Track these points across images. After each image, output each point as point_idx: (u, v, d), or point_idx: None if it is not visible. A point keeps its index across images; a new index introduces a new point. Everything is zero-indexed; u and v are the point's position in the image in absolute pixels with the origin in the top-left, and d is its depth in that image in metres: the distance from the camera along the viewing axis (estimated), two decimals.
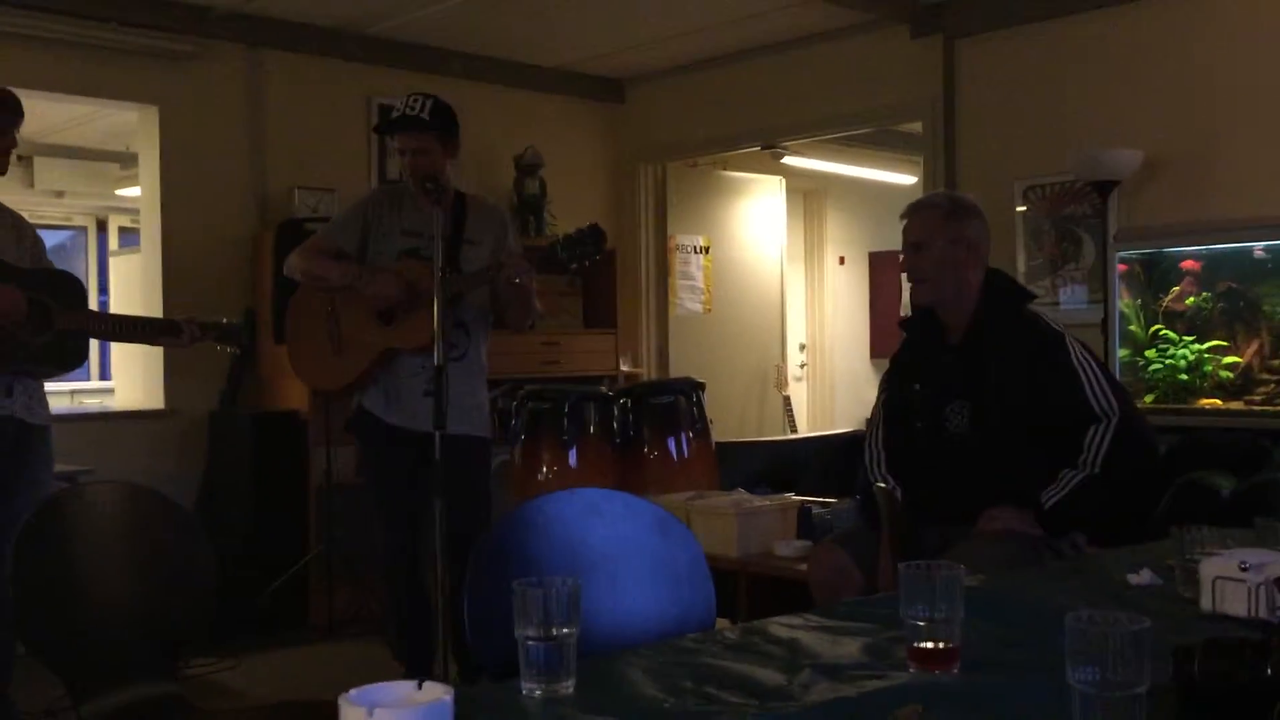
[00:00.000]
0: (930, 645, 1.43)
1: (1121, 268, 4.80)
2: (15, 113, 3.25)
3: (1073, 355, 2.79)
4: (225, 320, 3.52)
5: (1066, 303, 5.06)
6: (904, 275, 2.98)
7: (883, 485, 2.83)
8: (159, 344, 3.72)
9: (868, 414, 3.15)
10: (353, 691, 1.27)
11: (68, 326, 3.24)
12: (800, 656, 1.52)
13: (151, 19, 5.05)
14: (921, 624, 1.43)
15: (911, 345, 3.06)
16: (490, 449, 3.56)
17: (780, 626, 1.67)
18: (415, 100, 3.39)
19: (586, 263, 3.24)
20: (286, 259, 3.54)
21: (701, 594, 2.07)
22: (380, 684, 1.30)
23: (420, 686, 1.30)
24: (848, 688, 1.37)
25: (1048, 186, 5.13)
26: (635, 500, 2.19)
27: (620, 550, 2.09)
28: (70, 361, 3.36)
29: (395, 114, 3.45)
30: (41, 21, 4.78)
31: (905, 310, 3.14)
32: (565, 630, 1.38)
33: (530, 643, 1.37)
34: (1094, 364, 2.81)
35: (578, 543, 2.06)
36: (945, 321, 2.94)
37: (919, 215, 2.93)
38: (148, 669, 2.32)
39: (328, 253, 3.50)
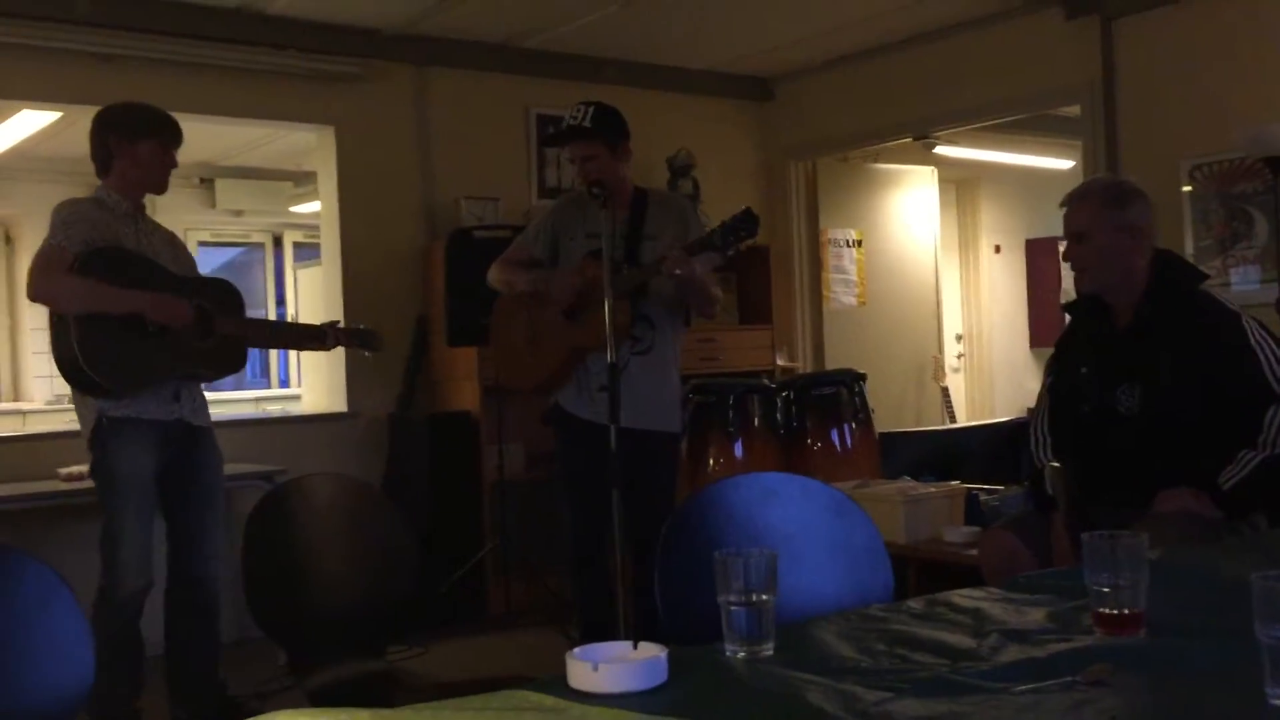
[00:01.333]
0: (1115, 611, 1.49)
1: None
2: (176, 135, 3.50)
3: (1250, 335, 2.75)
4: (363, 326, 3.77)
5: (1238, 283, 4.93)
6: (1067, 264, 2.98)
7: (1056, 465, 2.85)
8: (306, 348, 3.94)
9: (1029, 403, 3.15)
10: (576, 650, 1.41)
11: (227, 332, 3.46)
12: (986, 623, 1.59)
13: (325, 44, 5.35)
14: (1106, 590, 1.49)
15: (1077, 329, 3.06)
16: (678, 443, 3.62)
17: (963, 598, 1.75)
18: (579, 110, 3.51)
19: (742, 246, 3.28)
20: (489, 270, 3.71)
21: (879, 574, 2.15)
22: (601, 644, 1.44)
23: (635, 646, 1.43)
24: (1037, 650, 1.44)
25: (1215, 164, 5.00)
26: (811, 483, 2.28)
27: (798, 531, 2.18)
28: (231, 365, 3.57)
29: (563, 125, 3.57)
30: (224, 51, 5.12)
31: (1066, 297, 3.12)
32: (764, 596, 1.49)
33: (733, 608, 1.49)
34: (1272, 343, 2.76)
35: (758, 524, 2.16)
36: (1112, 305, 2.93)
37: (1080, 204, 2.91)
38: (362, 647, 2.53)
39: (521, 262, 3.66)
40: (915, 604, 1.73)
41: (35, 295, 3.27)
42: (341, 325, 3.78)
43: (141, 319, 3.25)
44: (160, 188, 3.47)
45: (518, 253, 3.70)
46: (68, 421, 6.85)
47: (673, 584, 2.03)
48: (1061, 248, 2.97)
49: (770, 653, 1.48)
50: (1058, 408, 3.00)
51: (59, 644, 1.75)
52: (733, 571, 1.49)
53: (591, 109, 3.50)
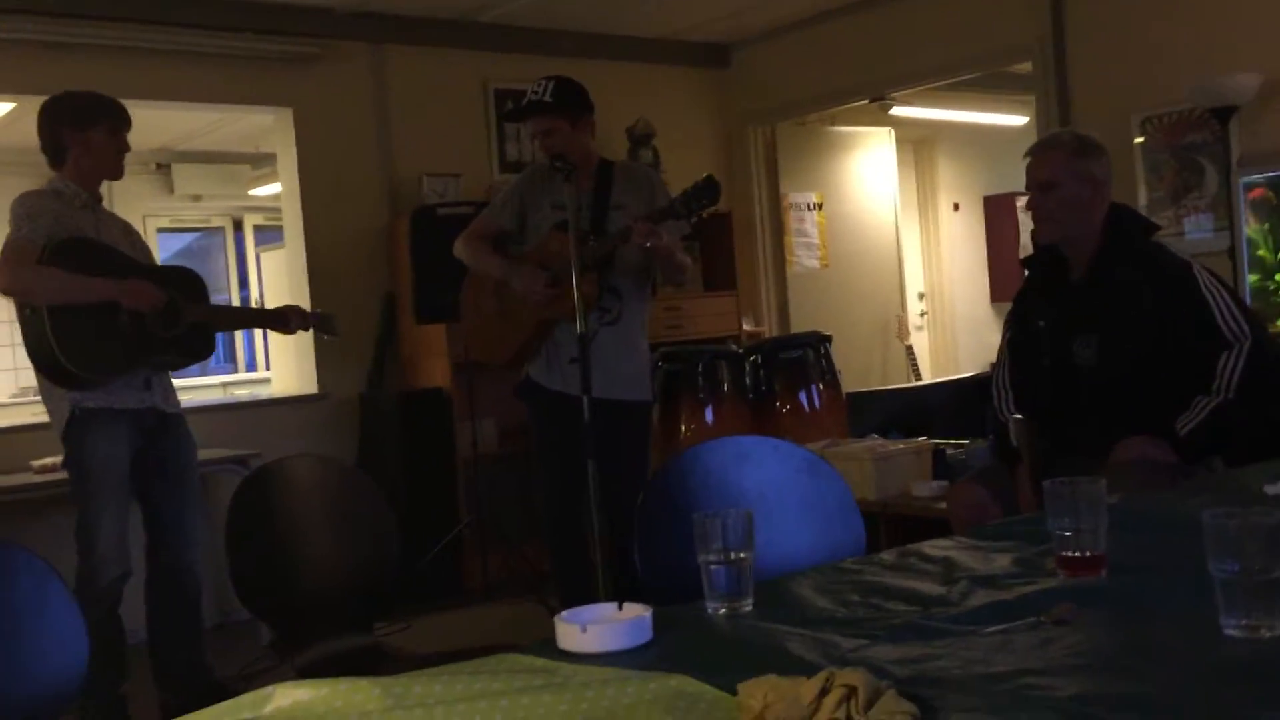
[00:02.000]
0: (1077, 553, 1.56)
1: (1257, 193, 4.74)
2: (125, 119, 3.49)
3: (1201, 283, 2.82)
4: (321, 311, 3.81)
5: (1191, 232, 5.03)
6: (1030, 213, 3.04)
7: (1019, 418, 2.92)
8: (271, 328, 3.96)
9: (991, 359, 3.22)
10: (564, 613, 1.46)
11: (195, 319, 3.47)
12: (955, 571, 1.66)
13: (280, 24, 5.32)
14: (1068, 534, 1.56)
15: (1034, 283, 3.12)
16: (649, 411, 3.67)
17: (933, 548, 1.82)
18: (540, 84, 3.53)
19: (704, 213, 3.31)
20: (455, 243, 3.73)
21: (851, 530, 2.22)
22: (586, 606, 1.49)
23: (620, 607, 1.49)
24: (1004, 593, 1.51)
25: (1165, 117, 5.09)
26: (784, 444, 2.34)
27: (772, 491, 2.25)
28: (200, 352, 3.59)
29: (524, 100, 3.59)
30: (178, 35, 5.09)
31: (1025, 252, 3.19)
32: (742, 555, 1.55)
33: (712, 566, 1.55)
34: (1223, 291, 2.84)
35: (733, 486, 2.22)
36: (1069, 257, 2.99)
37: (1045, 155, 2.96)
38: (349, 623, 2.57)
39: (489, 235, 3.68)
40: (887, 556, 1.80)
41: (8, 289, 3.28)
42: (302, 309, 3.80)
43: (113, 307, 3.26)
44: (116, 173, 3.47)
45: (485, 225, 3.72)
46: (35, 414, 6.81)
47: (652, 547, 2.08)
48: (1020, 202, 3.03)
49: (750, 608, 1.54)
50: (1017, 361, 3.07)
51: (54, 634, 1.78)
52: (711, 532, 1.55)
53: (552, 84, 3.52)
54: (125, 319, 3.29)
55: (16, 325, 7.11)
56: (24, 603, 1.79)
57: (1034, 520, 1.89)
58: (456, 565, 5.29)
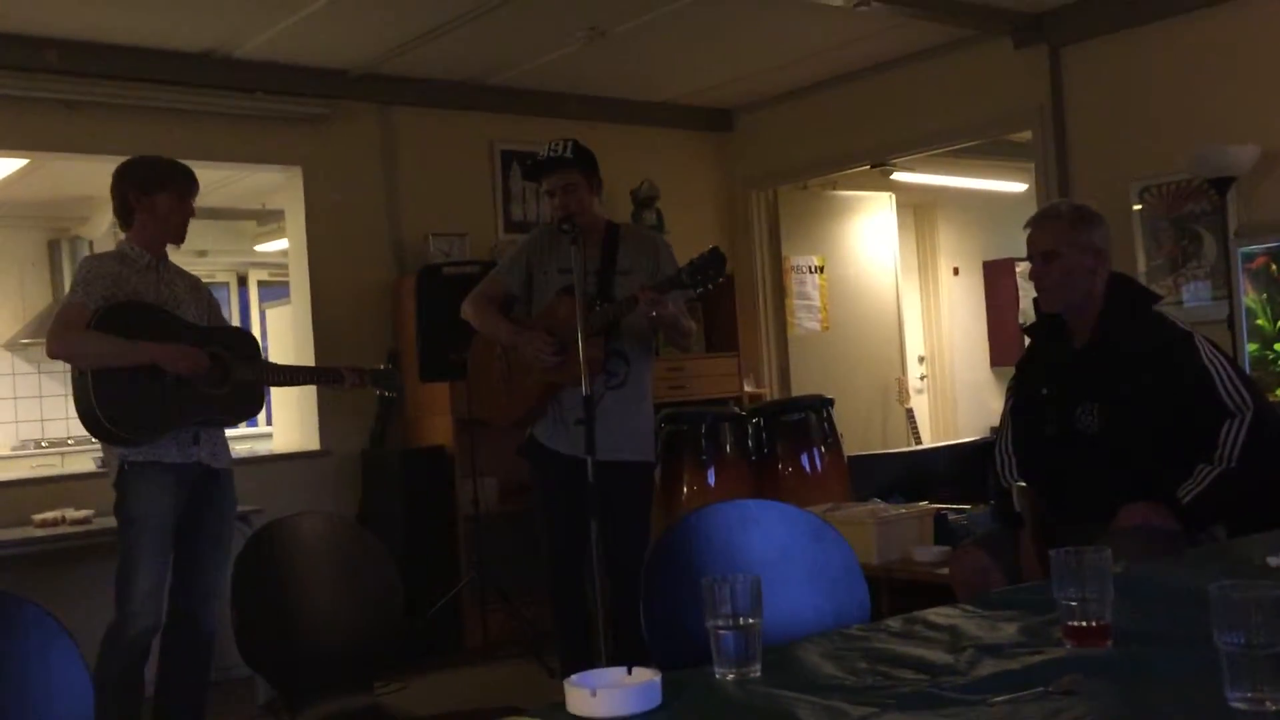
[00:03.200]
0: (1083, 623, 1.57)
1: (1259, 262, 4.78)
2: (192, 184, 3.59)
3: (1202, 353, 2.86)
4: (383, 366, 3.81)
5: (1189, 300, 5.08)
6: (1032, 283, 3.08)
7: (1023, 484, 2.94)
8: (327, 387, 3.99)
9: (992, 422, 3.25)
10: (574, 676, 1.47)
11: (244, 378, 3.54)
12: (962, 639, 1.67)
13: (291, 85, 5.41)
14: (1074, 604, 1.57)
15: (1037, 350, 3.16)
16: (652, 472, 3.69)
17: (939, 616, 1.82)
18: (557, 144, 3.60)
19: (710, 286, 3.35)
20: (463, 304, 3.76)
21: (856, 595, 2.22)
22: (596, 670, 1.50)
23: (630, 671, 1.50)
24: (1011, 663, 1.51)
25: (1163, 186, 5.16)
26: (789, 509, 2.35)
27: (777, 555, 2.25)
28: (247, 410, 3.67)
29: (540, 158, 3.64)
30: (192, 96, 5.17)
31: (1025, 317, 3.23)
32: (750, 620, 1.56)
33: (721, 631, 1.55)
34: (1224, 360, 2.88)
35: (738, 549, 2.23)
36: (1071, 326, 3.04)
37: (1045, 225, 3.01)
38: (351, 682, 2.56)
39: (497, 297, 3.72)
40: (893, 623, 1.81)
41: (52, 352, 3.37)
42: (358, 366, 3.79)
43: (157, 369, 3.32)
44: (179, 238, 3.57)
45: (492, 287, 3.76)
46: (34, 467, 6.86)
47: (658, 609, 2.09)
48: (1019, 267, 3.08)
49: (758, 674, 1.54)
50: (1020, 428, 3.10)
51: (58, 693, 1.78)
52: (719, 596, 1.56)
53: (570, 143, 3.61)
54: (170, 379, 3.37)
55: (15, 379, 7.18)
56: (31, 658, 1.79)
57: (1038, 589, 1.90)
58: (456, 624, 5.27)
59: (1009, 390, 3.20)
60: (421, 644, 4.97)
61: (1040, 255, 2.98)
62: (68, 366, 3.42)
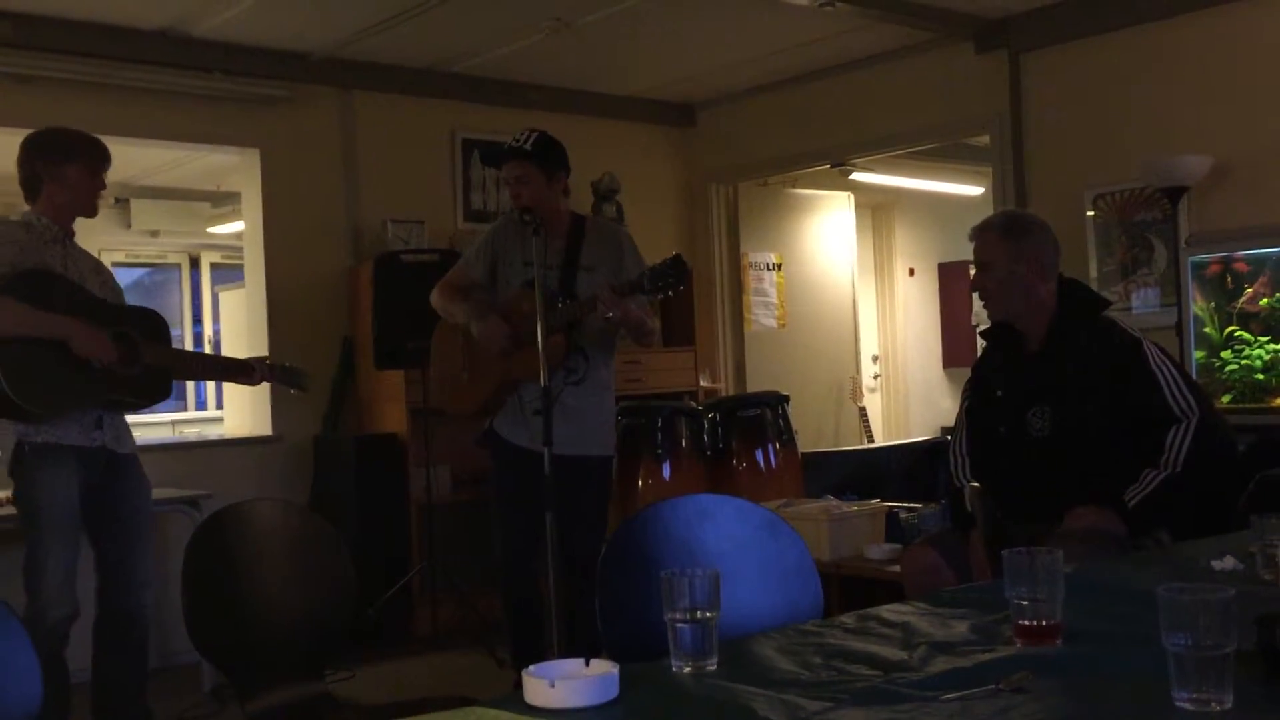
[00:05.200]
0: (1034, 622, 1.60)
1: (1214, 269, 4.87)
2: (104, 158, 3.49)
3: (1150, 359, 2.91)
4: (289, 364, 3.76)
5: (1139, 307, 5.16)
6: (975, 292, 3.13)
7: (975, 485, 2.98)
8: (234, 381, 3.91)
9: (943, 422, 3.29)
10: (532, 667, 1.47)
11: (153, 361, 3.43)
12: (914, 636, 1.69)
13: (251, 67, 5.34)
14: (1025, 603, 1.60)
15: (992, 354, 3.20)
16: (610, 466, 3.69)
17: (892, 613, 1.85)
18: (523, 134, 3.58)
19: (670, 293, 3.36)
20: (431, 294, 3.74)
21: (809, 590, 2.25)
22: (554, 662, 1.50)
23: (588, 663, 1.50)
24: (962, 660, 1.54)
25: (1117, 194, 5.24)
26: (745, 504, 2.37)
27: (733, 550, 2.27)
28: (156, 395, 3.52)
29: (504, 146, 3.63)
30: (149, 74, 5.10)
31: (977, 319, 3.28)
32: (708, 614, 1.57)
33: (679, 625, 1.56)
34: (1172, 367, 2.93)
35: (694, 543, 2.24)
36: (1023, 331, 3.08)
37: (980, 237, 3.07)
38: (302, 670, 2.55)
39: (463, 286, 3.71)
40: (847, 619, 1.83)
41: None
42: (269, 361, 3.76)
43: (66, 346, 3.22)
44: (90, 211, 3.45)
45: (459, 276, 3.75)
46: None
47: (613, 602, 2.10)
48: (973, 271, 3.12)
49: (714, 667, 1.55)
50: (975, 429, 3.13)
51: (8, 673, 1.76)
52: (678, 590, 1.57)
53: (535, 135, 3.58)
54: (80, 356, 3.25)
55: None
56: None
57: (989, 588, 1.93)
58: (406, 612, 5.25)
59: (964, 391, 3.23)
60: (371, 632, 4.95)
61: (979, 265, 3.05)
62: None
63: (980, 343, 3.28)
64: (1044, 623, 1.60)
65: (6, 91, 4.81)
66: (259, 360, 3.73)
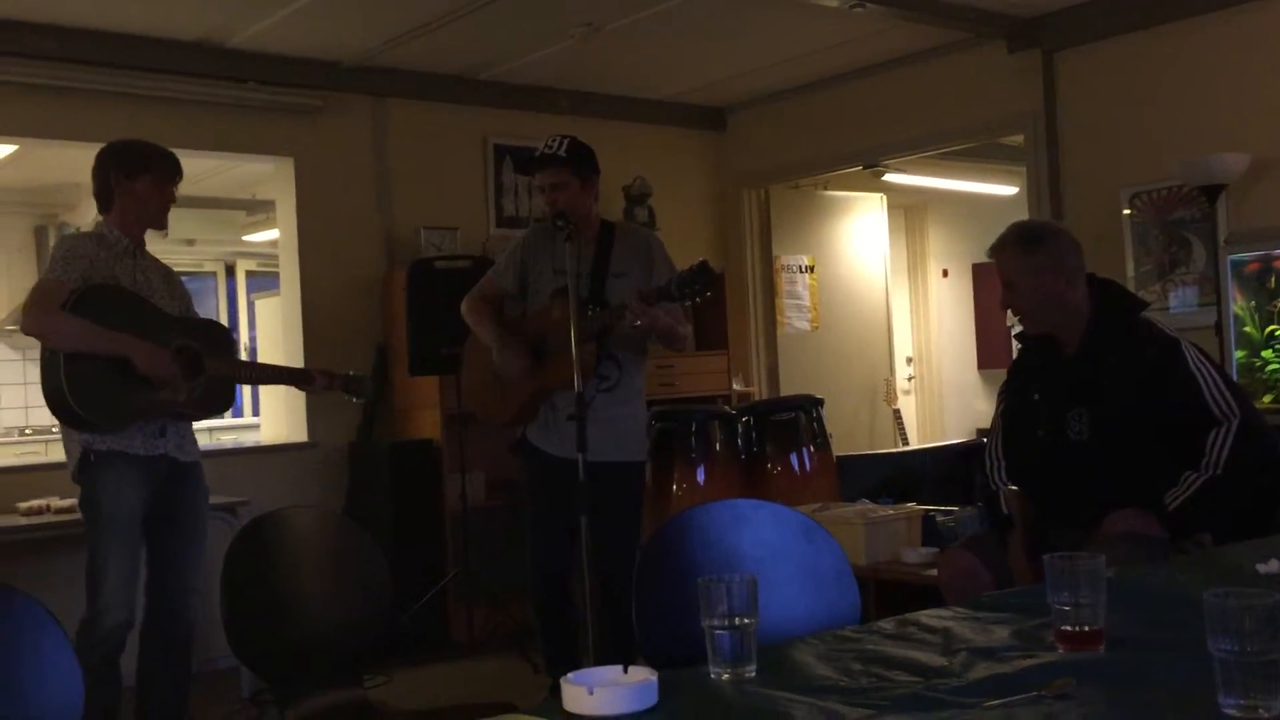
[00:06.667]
0: (1076, 628, 1.58)
1: (1254, 267, 4.81)
2: (176, 171, 3.54)
3: (1189, 360, 2.87)
4: (353, 372, 3.79)
5: (1176, 307, 5.11)
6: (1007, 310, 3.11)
7: (1014, 488, 2.95)
8: (298, 388, 3.96)
9: (978, 424, 3.27)
10: (571, 674, 1.47)
11: (217, 373, 3.49)
12: (955, 642, 1.68)
13: (285, 76, 5.39)
14: (1068, 608, 1.58)
15: (1028, 357, 3.17)
16: (643, 472, 3.69)
17: (932, 618, 1.83)
18: (554, 140, 3.59)
19: (698, 299, 3.35)
20: (461, 303, 3.76)
21: (846, 595, 2.23)
22: (593, 669, 1.50)
23: (626, 670, 1.50)
24: (1004, 666, 1.52)
25: (1154, 192, 5.18)
26: (781, 508, 2.36)
27: (769, 555, 2.26)
28: (218, 405, 3.60)
29: (536, 153, 3.64)
30: (184, 84, 5.15)
31: (1012, 321, 3.26)
32: (746, 620, 1.56)
33: (717, 631, 1.56)
34: (1211, 368, 2.89)
35: (730, 548, 2.24)
36: (1059, 336, 3.05)
37: (997, 256, 3.05)
38: (340, 677, 2.56)
39: (493, 296, 3.73)
40: (886, 624, 1.81)
41: (28, 329, 3.31)
42: (329, 369, 3.79)
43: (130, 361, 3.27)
44: (159, 223, 3.51)
45: (489, 286, 3.76)
46: (18, 455, 6.82)
47: (649, 608, 2.09)
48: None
49: (753, 674, 1.55)
50: (1012, 432, 3.11)
51: (48, 681, 1.78)
52: (715, 596, 1.56)
53: (567, 141, 3.59)
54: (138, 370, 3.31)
55: (2, 365, 7.02)
56: (22, 649, 1.79)
57: (1030, 592, 1.91)
58: (441, 618, 5.27)
59: (1000, 394, 3.21)
60: (406, 638, 4.97)
61: (1004, 284, 3.02)
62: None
63: (1015, 345, 3.26)
64: (1087, 628, 1.58)
65: (41, 102, 4.87)
66: (320, 370, 3.76)
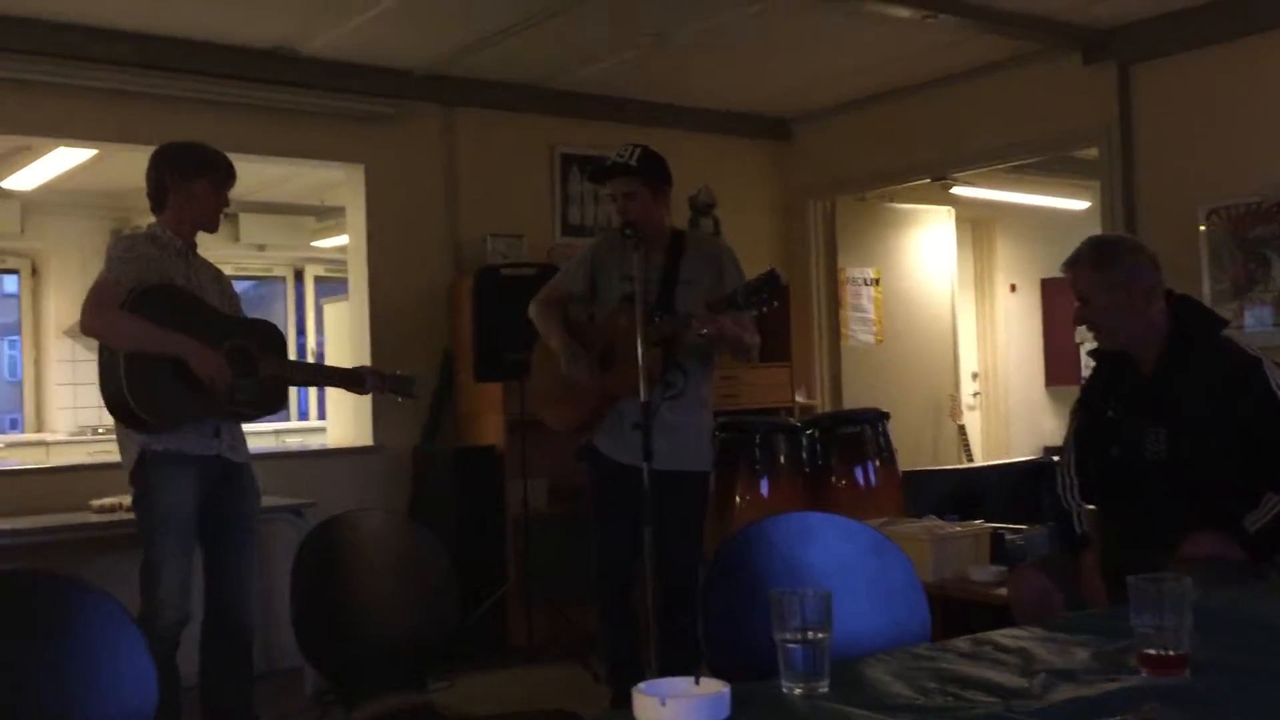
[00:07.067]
0: (1160, 651, 1.54)
1: None
2: (230, 175, 3.60)
3: (1270, 379, 2.81)
4: (400, 372, 3.82)
5: (1252, 325, 4.99)
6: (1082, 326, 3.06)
7: (1092, 508, 2.90)
8: (346, 388, 3.99)
9: (1045, 442, 3.22)
10: (642, 684, 1.46)
11: (270, 373, 3.53)
12: (1033, 663, 1.64)
13: (357, 84, 5.45)
14: (1151, 632, 1.54)
15: (1103, 374, 3.12)
16: (708, 481, 3.68)
17: (1007, 638, 1.80)
18: (626, 149, 3.60)
19: (764, 309, 3.35)
20: (529, 305, 3.78)
21: (916, 613, 2.20)
22: (664, 679, 1.49)
23: (698, 682, 1.48)
24: (1086, 689, 1.49)
25: (1231, 208, 5.07)
26: (850, 523, 2.33)
27: (837, 569, 2.23)
28: (272, 405, 3.63)
29: (607, 161, 3.65)
30: (259, 91, 5.22)
31: (1081, 337, 3.21)
32: (820, 635, 1.54)
33: (790, 645, 1.54)
34: None
35: (799, 562, 2.22)
36: (1136, 353, 2.99)
37: (1071, 273, 3.01)
38: (405, 679, 2.58)
39: (561, 299, 3.74)
40: (961, 643, 1.78)
41: (88, 329, 3.35)
42: (380, 370, 3.84)
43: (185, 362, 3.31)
44: (212, 226, 3.56)
45: (557, 289, 3.78)
46: (90, 453, 6.96)
47: (717, 619, 2.08)
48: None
49: (826, 689, 1.53)
50: (1085, 451, 3.05)
51: (124, 679, 1.80)
52: (789, 609, 1.54)
53: (639, 150, 3.59)
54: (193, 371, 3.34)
55: (75, 365, 7.12)
56: (99, 645, 1.81)
57: (1109, 614, 1.86)
58: (501, 624, 5.28)
59: (1074, 412, 3.15)
60: (466, 643, 4.98)
61: (1078, 299, 2.98)
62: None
63: (1086, 361, 3.20)
64: (1171, 652, 1.54)
65: (118, 107, 4.96)
66: (369, 370, 3.81)
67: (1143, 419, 2.91)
